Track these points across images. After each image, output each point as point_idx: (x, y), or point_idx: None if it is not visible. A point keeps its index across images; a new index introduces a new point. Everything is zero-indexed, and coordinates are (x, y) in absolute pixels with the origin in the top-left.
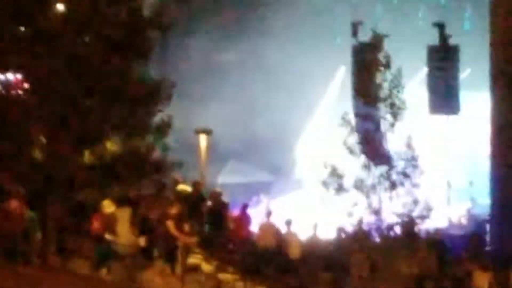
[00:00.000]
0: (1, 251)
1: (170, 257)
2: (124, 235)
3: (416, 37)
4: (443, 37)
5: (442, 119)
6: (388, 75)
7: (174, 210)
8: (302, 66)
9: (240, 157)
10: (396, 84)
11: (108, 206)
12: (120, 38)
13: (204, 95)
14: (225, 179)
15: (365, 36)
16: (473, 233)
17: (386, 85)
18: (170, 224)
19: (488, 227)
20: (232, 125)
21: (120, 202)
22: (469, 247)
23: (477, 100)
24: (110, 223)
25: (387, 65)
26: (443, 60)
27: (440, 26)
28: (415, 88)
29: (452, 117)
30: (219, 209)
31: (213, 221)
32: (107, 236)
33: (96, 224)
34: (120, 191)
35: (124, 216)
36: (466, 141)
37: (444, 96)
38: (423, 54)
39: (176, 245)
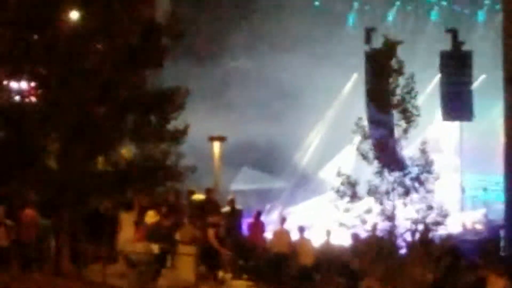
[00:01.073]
0: (16, 259)
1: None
2: (125, 239)
3: (429, 43)
4: (456, 43)
5: (456, 125)
6: (401, 80)
7: (214, 219)
8: (316, 73)
9: (253, 164)
10: (409, 90)
11: (151, 216)
12: (134, 46)
13: (218, 102)
14: (239, 186)
15: (378, 42)
16: (488, 238)
17: (399, 91)
18: (210, 232)
19: (502, 232)
20: (245, 132)
21: (124, 206)
22: (484, 253)
23: (491, 106)
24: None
25: (400, 71)
26: (456, 66)
27: (453, 32)
28: (429, 94)
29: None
30: (235, 216)
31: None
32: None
33: (138, 235)
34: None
35: (127, 220)
36: (480, 147)
37: (457, 103)
38: (436, 60)
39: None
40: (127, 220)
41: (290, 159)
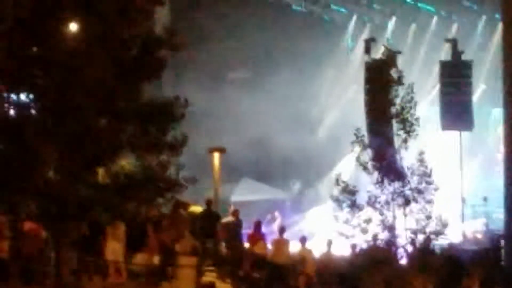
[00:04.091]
0: (17, 272)
1: None
2: (112, 251)
3: (429, 53)
4: (456, 53)
5: (456, 135)
6: (401, 91)
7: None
8: (315, 83)
9: (253, 175)
10: (409, 100)
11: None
12: (133, 57)
13: (217, 113)
14: (238, 197)
15: (377, 53)
16: (488, 248)
17: (398, 101)
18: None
19: (503, 242)
20: (244, 144)
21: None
22: (484, 263)
23: (492, 115)
24: None
25: (400, 81)
26: (455, 76)
27: (453, 42)
28: (428, 104)
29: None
30: (235, 227)
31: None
32: None
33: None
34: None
35: (116, 233)
36: (480, 157)
37: (457, 112)
38: (435, 70)
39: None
40: (115, 230)
41: (290, 170)
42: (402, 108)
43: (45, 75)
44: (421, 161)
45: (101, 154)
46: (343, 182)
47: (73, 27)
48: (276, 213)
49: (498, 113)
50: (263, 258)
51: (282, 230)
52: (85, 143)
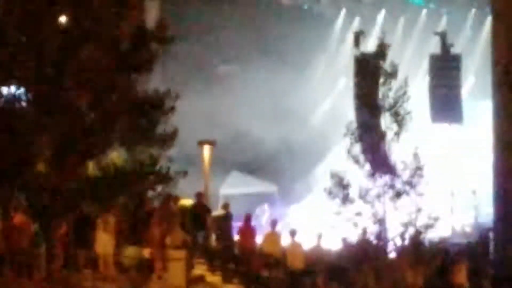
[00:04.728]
0: (8, 265)
1: None
2: (103, 243)
3: (418, 46)
4: (445, 46)
5: (446, 128)
6: (394, 84)
7: None
8: (304, 77)
9: (242, 168)
10: (402, 94)
11: None
12: (124, 51)
13: (206, 107)
14: (228, 190)
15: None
16: (478, 241)
17: (391, 94)
18: None
19: (492, 235)
20: (233, 137)
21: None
22: (472, 256)
23: (481, 108)
24: None
25: (393, 74)
26: (445, 69)
27: (442, 35)
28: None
29: (455, 126)
30: (226, 220)
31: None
32: None
33: None
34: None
35: (105, 224)
36: (470, 150)
37: (446, 105)
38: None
39: None
40: (105, 223)
41: (280, 162)
42: (395, 102)
43: (36, 67)
44: (413, 155)
45: (92, 148)
46: (337, 175)
47: (63, 19)
48: (266, 206)
49: (487, 105)
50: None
51: (274, 223)
52: (76, 136)
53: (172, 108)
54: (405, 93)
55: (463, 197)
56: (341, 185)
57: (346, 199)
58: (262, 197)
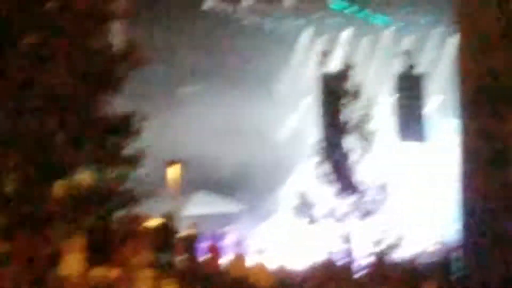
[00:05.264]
0: None
1: None
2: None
3: (383, 66)
4: (409, 66)
5: (412, 146)
6: (358, 103)
7: None
8: (268, 97)
9: (207, 188)
10: (366, 113)
11: None
12: (91, 70)
13: (168, 127)
14: (192, 211)
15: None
16: (444, 259)
17: (355, 113)
18: None
19: (458, 253)
20: (197, 156)
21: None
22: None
23: (447, 126)
24: None
25: (357, 94)
26: (409, 88)
27: (406, 55)
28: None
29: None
30: (192, 240)
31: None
32: None
33: None
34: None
35: (73, 247)
36: (437, 167)
37: (411, 124)
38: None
39: None
40: (72, 244)
41: (245, 181)
42: (360, 121)
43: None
44: (380, 173)
45: (59, 168)
46: (303, 194)
47: (29, 40)
48: (231, 226)
49: (453, 123)
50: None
51: (239, 243)
52: (43, 156)
53: (140, 129)
54: (369, 112)
55: (431, 214)
56: (307, 204)
57: (312, 218)
58: (227, 217)
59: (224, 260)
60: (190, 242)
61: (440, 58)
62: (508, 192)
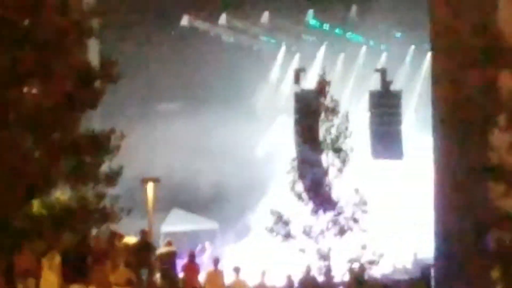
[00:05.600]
0: None
1: None
2: (48, 282)
3: (358, 83)
4: (385, 83)
5: (388, 163)
6: (335, 120)
7: None
8: (244, 115)
9: (183, 206)
10: (343, 130)
11: None
12: (68, 90)
13: (146, 144)
14: (169, 228)
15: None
16: (419, 278)
17: (333, 130)
18: None
19: (432, 272)
20: (173, 174)
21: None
22: None
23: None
24: None
25: (334, 111)
26: (384, 105)
27: (382, 72)
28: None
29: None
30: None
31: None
32: None
33: None
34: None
35: (51, 264)
36: (412, 184)
37: (386, 142)
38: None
39: None
40: (50, 261)
41: (221, 199)
42: (337, 138)
43: None
44: (356, 190)
45: (37, 186)
46: (277, 212)
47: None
48: (207, 244)
49: (428, 140)
50: None
51: (216, 261)
52: (21, 174)
53: (118, 147)
54: (346, 129)
55: (405, 232)
56: (281, 222)
57: (288, 236)
58: (203, 235)
59: (201, 277)
60: (169, 259)
61: (415, 75)
62: (481, 208)
